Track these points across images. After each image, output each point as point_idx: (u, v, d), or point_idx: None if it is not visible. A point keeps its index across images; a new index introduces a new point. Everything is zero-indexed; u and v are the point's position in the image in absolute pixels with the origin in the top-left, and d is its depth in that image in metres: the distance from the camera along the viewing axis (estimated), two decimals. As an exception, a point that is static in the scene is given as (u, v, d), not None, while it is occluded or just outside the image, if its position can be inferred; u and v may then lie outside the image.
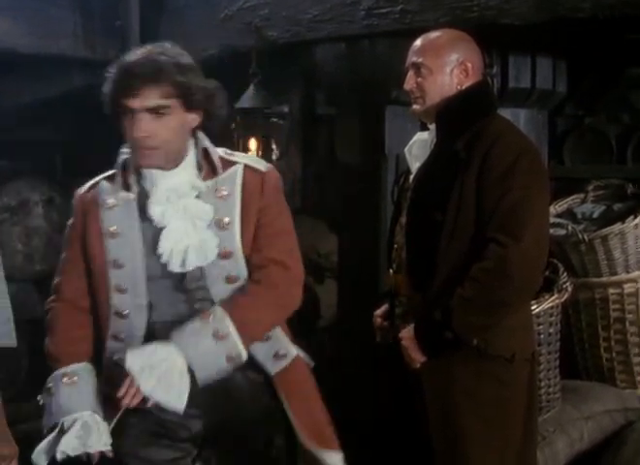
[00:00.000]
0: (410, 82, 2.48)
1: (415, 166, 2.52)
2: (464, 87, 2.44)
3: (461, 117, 2.42)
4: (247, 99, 3.68)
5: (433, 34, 2.51)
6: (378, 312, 2.72)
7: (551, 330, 3.02)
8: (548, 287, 3.02)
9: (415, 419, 2.49)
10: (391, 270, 2.59)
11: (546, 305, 2.94)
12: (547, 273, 3.11)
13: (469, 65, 2.44)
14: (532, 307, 2.86)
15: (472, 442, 2.36)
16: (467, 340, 2.31)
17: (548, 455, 2.90)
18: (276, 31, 3.61)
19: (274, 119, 4.13)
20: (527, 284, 2.35)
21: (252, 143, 3.75)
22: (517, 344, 2.40)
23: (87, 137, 6.37)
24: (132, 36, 4.10)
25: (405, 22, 3.15)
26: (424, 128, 2.57)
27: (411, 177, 2.54)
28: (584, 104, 4.40)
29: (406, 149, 2.58)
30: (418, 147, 2.53)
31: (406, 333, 2.40)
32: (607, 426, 3.18)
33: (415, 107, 2.50)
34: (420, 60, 2.45)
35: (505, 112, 3.62)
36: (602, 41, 3.34)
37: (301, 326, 3.98)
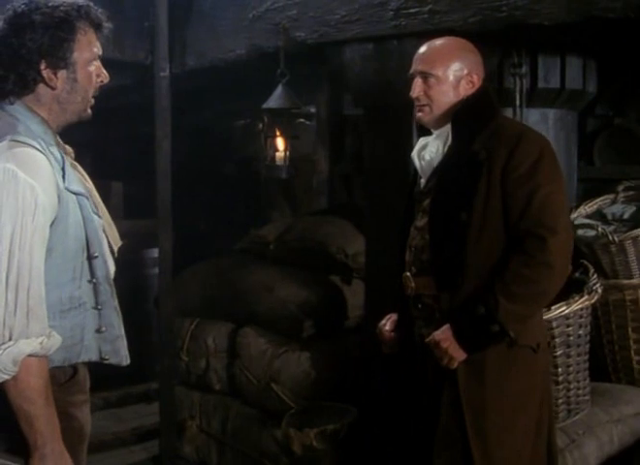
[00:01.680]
0: (417, 90, 2.54)
1: (427, 170, 2.58)
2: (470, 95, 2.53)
3: (475, 120, 2.49)
4: (275, 99, 3.69)
5: (441, 42, 2.57)
6: (384, 323, 2.75)
7: (580, 332, 3.00)
8: (578, 288, 3.00)
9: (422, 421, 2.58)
10: (408, 273, 2.60)
11: (576, 307, 2.92)
12: (577, 275, 3.09)
13: (475, 77, 2.53)
14: (562, 308, 2.85)
15: (504, 430, 2.44)
16: (513, 331, 2.37)
17: (577, 458, 2.88)
18: (304, 32, 3.61)
19: (301, 120, 4.15)
20: (564, 272, 2.45)
21: (280, 143, 3.76)
22: (540, 333, 2.53)
23: (114, 137, 6.45)
24: (161, 37, 4.13)
25: (434, 23, 3.14)
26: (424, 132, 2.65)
27: (422, 181, 2.61)
28: (614, 104, 4.37)
29: (414, 154, 2.64)
30: (429, 152, 2.58)
31: (442, 334, 2.43)
32: (637, 429, 3.16)
33: (420, 114, 2.57)
34: (428, 69, 2.52)
35: (534, 113, 3.62)
36: (633, 41, 3.31)
37: (327, 327, 4.00)
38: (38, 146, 1.97)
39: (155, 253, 5.06)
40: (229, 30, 4.04)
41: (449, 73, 2.51)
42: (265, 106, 3.71)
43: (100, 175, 7.36)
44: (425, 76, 2.53)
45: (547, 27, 2.95)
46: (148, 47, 4.31)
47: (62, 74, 2.05)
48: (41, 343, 1.92)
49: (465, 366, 2.43)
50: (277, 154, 3.78)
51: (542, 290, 2.40)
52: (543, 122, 3.59)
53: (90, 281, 2.08)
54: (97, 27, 2.10)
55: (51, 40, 2.00)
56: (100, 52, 2.11)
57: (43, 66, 2.02)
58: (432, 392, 2.55)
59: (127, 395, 5.57)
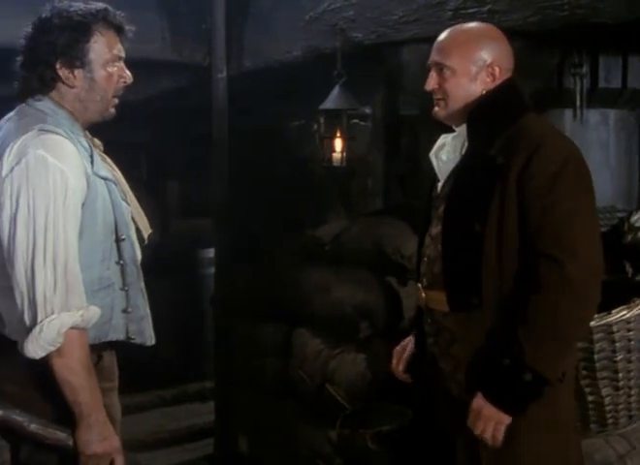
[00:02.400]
0: (431, 83, 2.27)
1: (444, 172, 2.32)
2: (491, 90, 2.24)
3: (494, 119, 2.22)
4: (332, 100, 3.70)
5: (460, 29, 2.29)
6: (396, 362, 2.58)
7: (642, 336, 2.94)
8: (639, 292, 2.94)
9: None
10: (419, 285, 2.38)
11: (637, 311, 2.86)
12: (638, 278, 3.04)
13: (497, 69, 2.22)
14: (623, 312, 2.80)
15: None
16: (551, 374, 2.09)
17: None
18: (361, 33, 3.61)
19: (356, 120, 4.15)
20: (593, 296, 2.14)
21: (337, 144, 3.76)
22: (567, 359, 2.22)
23: (171, 138, 6.52)
24: (218, 39, 4.17)
25: (493, 22, 3.06)
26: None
27: (439, 185, 2.35)
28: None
29: (432, 154, 2.36)
30: (447, 152, 2.32)
31: (477, 404, 2.14)
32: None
33: (436, 109, 2.30)
34: (443, 60, 2.23)
35: (594, 113, 3.57)
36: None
37: (383, 328, 3.99)
38: (65, 134, 2.09)
39: (211, 253, 5.12)
40: (286, 31, 4.06)
41: (466, 64, 2.21)
42: (322, 106, 3.72)
43: (157, 175, 7.51)
44: (440, 67, 2.24)
45: (609, 26, 2.90)
46: (206, 49, 4.36)
47: (79, 73, 2.15)
48: (81, 315, 2.02)
49: None
50: (334, 155, 3.79)
51: (568, 322, 2.09)
52: (603, 123, 3.54)
53: (118, 263, 2.18)
54: (118, 30, 2.21)
55: (66, 40, 2.12)
56: (122, 54, 2.22)
57: (59, 65, 2.14)
58: (443, 422, 2.34)
59: (182, 394, 5.64)
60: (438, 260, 2.27)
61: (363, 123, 4.92)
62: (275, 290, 4.34)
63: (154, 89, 4.90)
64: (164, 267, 5.95)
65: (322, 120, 3.83)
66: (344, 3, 3.68)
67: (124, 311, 2.21)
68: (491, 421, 2.13)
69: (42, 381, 2.08)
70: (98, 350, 2.19)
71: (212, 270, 4.71)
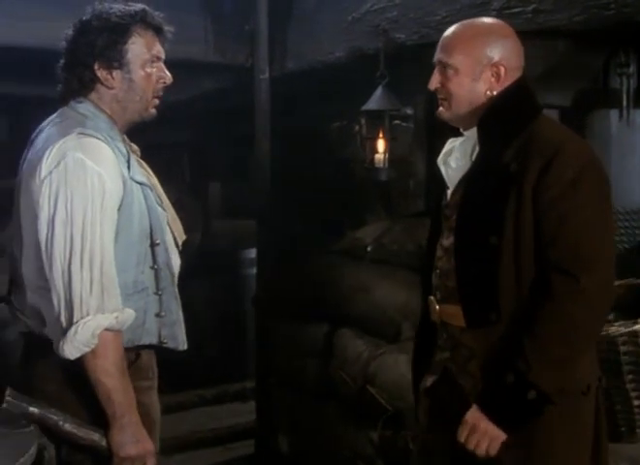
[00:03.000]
0: (434, 82, 2.17)
1: (453, 179, 2.21)
2: (494, 93, 2.11)
3: (506, 123, 2.11)
4: (375, 101, 3.68)
5: (465, 26, 2.17)
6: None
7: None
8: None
9: None
10: (433, 298, 2.27)
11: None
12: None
13: (502, 68, 2.10)
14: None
15: None
16: (552, 391, 2.00)
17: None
18: (404, 33, 3.60)
19: (398, 121, 4.13)
20: (607, 310, 2.11)
21: (380, 145, 3.75)
22: (591, 373, 2.14)
23: (213, 139, 6.56)
24: (261, 40, 4.19)
25: (538, 22, 3.07)
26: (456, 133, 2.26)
27: (449, 193, 2.22)
28: None
29: (439, 160, 2.25)
30: (456, 159, 2.20)
31: (473, 416, 2.07)
32: None
33: (440, 110, 2.19)
34: (446, 58, 2.13)
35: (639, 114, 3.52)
36: None
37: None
38: (103, 138, 2.11)
39: (253, 253, 5.14)
40: (328, 33, 4.05)
41: (469, 62, 2.10)
42: (364, 107, 3.71)
43: (199, 176, 7.56)
44: (443, 65, 2.14)
45: (657, 25, 2.87)
46: (249, 51, 4.37)
47: (118, 74, 2.18)
48: (116, 317, 2.05)
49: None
50: (377, 156, 3.77)
51: (578, 339, 2.02)
52: (649, 123, 3.48)
53: (152, 267, 2.20)
54: (157, 31, 2.23)
55: (104, 42, 2.15)
56: (162, 55, 2.24)
57: (97, 66, 2.17)
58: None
59: (223, 393, 5.66)
60: (452, 273, 2.16)
61: (405, 124, 4.89)
62: (317, 290, 4.34)
63: (197, 90, 4.93)
64: (206, 268, 5.99)
65: (364, 121, 3.82)
66: (387, 4, 3.67)
67: (157, 315, 2.22)
68: (486, 437, 2.05)
69: (77, 381, 2.11)
70: (135, 350, 2.21)
71: (254, 271, 4.73)
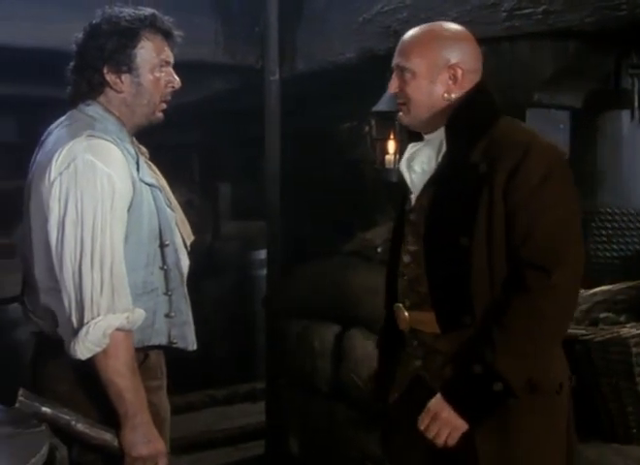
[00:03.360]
0: (392, 87, 2.17)
1: (418, 184, 2.19)
2: (452, 95, 2.12)
3: (473, 124, 2.10)
4: (385, 102, 3.68)
5: (421, 30, 2.17)
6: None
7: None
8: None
9: None
10: (400, 305, 2.22)
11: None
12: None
13: (459, 70, 2.11)
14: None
15: None
16: (520, 387, 2.00)
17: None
18: (414, 34, 3.59)
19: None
20: (575, 306, 2.13)
21: (390, 146, 3.75)
22: (562, 371, 2.15)
23: (223, 140, 6.57)
24: (271, 42, 4.19)
25: (548, 23, 3.06)
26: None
27: (413, 198, 2.21)
28: None
29: (402, 165, 2.23)
30: (421, 163, 2.18)
31: (436, 405, 2.05)
32: None
33: (400, 114, 2.20)
34: (403, 62, 2.14)
35: (652, 115, 3.51)
36: None
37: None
38: (112, 140, 2.12)
39: (263, 254, 5.13)
40: (339, 34, 4.05)
41: (426, 65, 2.10)
42: (375, 108, 3.71)
43: (209, 177, 7.56)
44: (401, 69, 2.14)
45: (669, 25, 2.85)
46: (259, 52, 4.37)
47: (126, 78, 2.19)
48: (127, 317, 2.06)
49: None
50: (387, 157, 3.77)
51: (548, 333, 2.03)
52: (662, 125, 3.47)
53: (162, 268, 2.21)
54: (166, 35, 2.24)
55: (114, 46, 2.16)
56: (171, 59, 2.25)
57: (106, 70, 2.18)
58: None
59: (233, 394, 5.67)
60: (423, 278, 2.14)
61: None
62: (327, 291, 4.34)
63: (207, 91, 4.94)
64: (216, 269, 6.01)
65: (374, 122, 3.82)
66: (398, 4, 3.66)
67: (167, 316, 2.23)
68: (447, 427, 2.04)
69: (88, 382, 2.12)
70: (144, 350, 2.21)
71: (264, 272, 4.73)
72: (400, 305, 2.22)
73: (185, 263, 2.31)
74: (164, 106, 2.27)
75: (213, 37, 4.27)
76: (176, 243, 2.26)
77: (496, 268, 2.04)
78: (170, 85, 2.25)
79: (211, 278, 5.83)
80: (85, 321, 2.02)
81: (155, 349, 2.26)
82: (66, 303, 2.05)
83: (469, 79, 2.14)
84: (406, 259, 2.21)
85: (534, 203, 2.01)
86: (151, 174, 2.26)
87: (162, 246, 2.20)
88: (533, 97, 3.25)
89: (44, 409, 2.05)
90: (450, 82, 2.12)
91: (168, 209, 2.25)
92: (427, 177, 2.16)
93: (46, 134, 2.26)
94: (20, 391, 2.05)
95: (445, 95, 2.12)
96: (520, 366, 2.00)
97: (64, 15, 3.54)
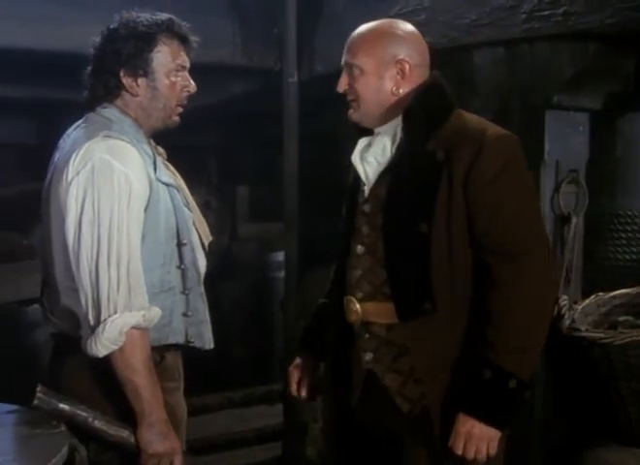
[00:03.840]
0: (342, 85, 2.21)
1: (372, 175, 2.20)
2: (401, 90, 2.15)
3: (430, 116, 2.12)
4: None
5: (368, 27, 2.24)
6: (296, 366, 2.48)
7: None
8: None
9: None
10: (352, 297, 2.21)
11: None
12: None
13: (407, 65, 2.14)
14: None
15: None
16: (528, 376, 2.05)
17: None
18: (433, 36, 3.56)
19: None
20: (549, 290, 2.11)
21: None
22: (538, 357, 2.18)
23: (241, 143, 6.57)
24: (289, 44, 4.18)
25: (568, 25, 3.04)
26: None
27: (366, 189, 2.22)
28: None
29: (355, 157, 2.24)
30: (374, 154, 2.20)
31: (463, 425, 2.04)
32: None
33: (350, 111, 2.23)
34: (351, 59, 2.18)
35: (673, 116, 3.48)
36: None
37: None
38: (129, 140, 2.15)
39: (280, 256, 5.13)
40: (357, 36, 4.04)
41: (372, 62, 2.15)
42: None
43: (227, 179, 7.57)
44: (349, 66, 2.19)
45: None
46: (277, 54, 4.37)
47: (142, 82, 2.22)
48: (143, 315, 2.07)
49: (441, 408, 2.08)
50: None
51: (534, 319, 2.05)
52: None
53: (179, 267, 2.23)
54: (182, 40, 2.27)
55: (130, 49, 2.18)
56: (187, 64, 2.28)
57: (122, 74, 2.21)
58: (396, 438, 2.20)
59: (250, 396, 5.66)
60: (378, 269, 2.15)
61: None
62: (344, 294, 4.34)
63: (225, 94, 4.95)
64: (234, 271, 6.01)
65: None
66: (416, 7, 3.65)
67: (184, 314, 2.25)
68: (483, 441, 2.04)
69: (105, 379, 2.14)
70: (160, 351, 2.22)
71: (282, 274, 4.73)
72: (352, 298, 2.21)
73: (203, 262, 2.32)
74: (180, 109, 2.29)
75: (231, 39, 4.28)
76: (194, 243, 2.28)
77: (455, 254, 2.06)
78: (186, 90, 2.27)
79: (229, 280, 5.83)
80: (102, 318, 2.04)
81: (172, 349, 2.27)
82: (83, 302, 2.07)
83: (417, 74, 2.17)
84: (360, 250, 2.21)
85: (496, 192, 2.04)
86: (169, 174, 2.28)
87: (179, 245, 2.22)
88: (553, 99, 3.23)
89: (61, 406, 2.06)
90: (398, 77, 2.15)
91: (185, 209, 2.27)
92: (381, 168, 2.18)
93: (64, 136, 2.28)
94: (38, 388, 2.07)
95: (394, 90, 2.16)
96: (523, 359, 2.04)
97: (83, 18, 3.56)
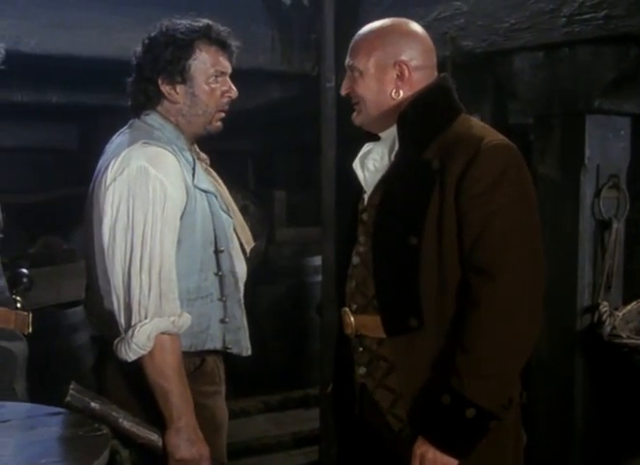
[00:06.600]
0: (345, 88, 2.14)
1: (371, 182, 2.11)
2: (401, 93, 2.05)
3: (427, 122, 2.02)
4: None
5: (368, 28, 2.11)
6: None
7: None
8: None
9: None
10: (347, 309, 2.14)
11: None
12: None
13: (405, 67, 2.04)
14: None
15: None
16: (494, 405, 1.90)
17: None
18: (472, 41, 3.56)
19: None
20: (527, 315, 1.92)
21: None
22: (514, 389, 2.03)
23: (279, 147, 6.60)
24: (327, 49, 4.19)
25: (609, 28, 3.01)
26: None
27: (366, 197, 2.13)
28: None
29: (356, 164, 2.15)
30: (374, 160, 2.11)
31: (421, 449, 1.93)
32: None
33: (353, 115, 2.14)
34: (352, 62, 2.09)
35: None
36: None
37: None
38: (168, 147, 2.16)
39: (318, 261, 5.13)
40: (396, 40, 4.03)
41: (372, 63, 2.05)
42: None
43: (264, 184, 7.60)
44: (351, 69, 2.10)
45: None
46: (315, 59, 4.38)
47: (181, 89, 2.22)
48: (173, 321, 2.08)
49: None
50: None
51: (509, 345, 1.89)
52: None
53: (217, 274, 2.23)
54: (221, 46, 2.26)
55: (168, 57, 2.19)
56: (227, 70, 2.27)
57: (160, 81, 2.22)
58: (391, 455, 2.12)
59: (287, 400, 5.67)
60: (369, 280, 2.06)
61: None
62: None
63: (264, 99, 4.97)
64: (271, 275, 6.02)
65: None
66: (455, 11, 3.64)
67: (222, 321, 2.25)
68: None
69: (135, 383, 2.15)
70: (200, 355, 2.23)
71: (319, 278, 4.73)
72: (347, 309, 2.15)
73: (242, 268, 2.33)
74: (222, 115, 2.29)
75: (270, 44, 4.30)
76: (232, 249, 2.28)
77: (446, 270, 1.95)
78: (227, 95, 2.28)
79: (266, 284, 5.84)
80: (132, 323, 2.06)
81: (213, 353, 2.28)
82: (115, 306, 2.10)
83: (420, 77, 2.07)
84: (356, 260, 2.13)
85: (487, 204, 1.91)
86: (210, 180, 2.29)
87: (217, 252, 2.23)
88: (594, 103, 3.20)
89: (93, 404, 2.08)
90: (397, 80, 2.06)
91: (224, 215, 2.27)
92: (379, 175, 2.09)
93: (109, 142, 2.30)
94: (72, 385, 2.09)
95: (394, 92, 2.06)
96: (489, 388, 1.90)
97: (126, 25, 3.60)
